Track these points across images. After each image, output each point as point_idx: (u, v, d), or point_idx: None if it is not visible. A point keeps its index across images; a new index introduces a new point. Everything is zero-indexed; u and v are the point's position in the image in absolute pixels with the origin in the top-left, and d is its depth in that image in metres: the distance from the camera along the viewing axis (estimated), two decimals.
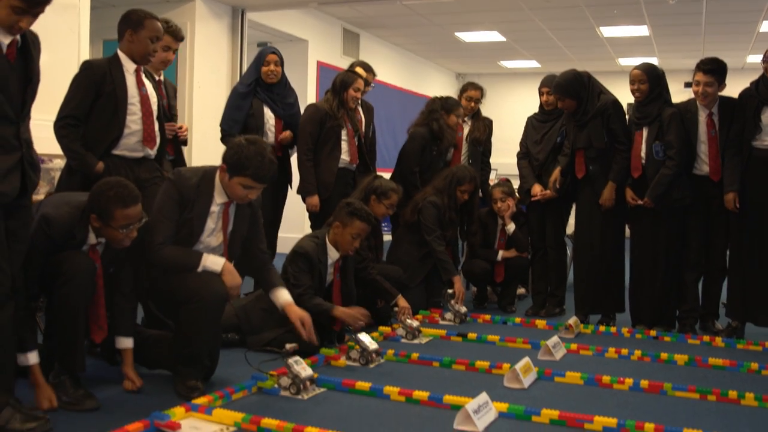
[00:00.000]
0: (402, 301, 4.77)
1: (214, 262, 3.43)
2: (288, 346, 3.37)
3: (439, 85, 13.35)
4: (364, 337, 4.02)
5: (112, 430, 2.75)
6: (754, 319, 4.86)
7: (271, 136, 5.19)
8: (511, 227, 5.70)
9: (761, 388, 3.69)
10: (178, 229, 3.47)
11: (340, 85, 5.32)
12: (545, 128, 5.55)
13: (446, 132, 5.80)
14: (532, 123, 5.68)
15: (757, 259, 4.70)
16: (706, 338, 4.83)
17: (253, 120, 5.09)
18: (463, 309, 5.22)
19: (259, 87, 5.14)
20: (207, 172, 3.55)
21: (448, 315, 5.22)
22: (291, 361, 3.40)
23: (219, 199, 3.53)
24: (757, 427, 3.20)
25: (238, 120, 5.06)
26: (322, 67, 9.38)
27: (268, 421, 2.93)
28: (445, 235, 5.48)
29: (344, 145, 5.34)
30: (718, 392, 3.57)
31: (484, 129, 6.21)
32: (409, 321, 4.64)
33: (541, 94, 5.64)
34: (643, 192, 4.91)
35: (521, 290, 6.33)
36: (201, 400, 3.17)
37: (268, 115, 5.16)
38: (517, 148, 5.80)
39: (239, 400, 3.34)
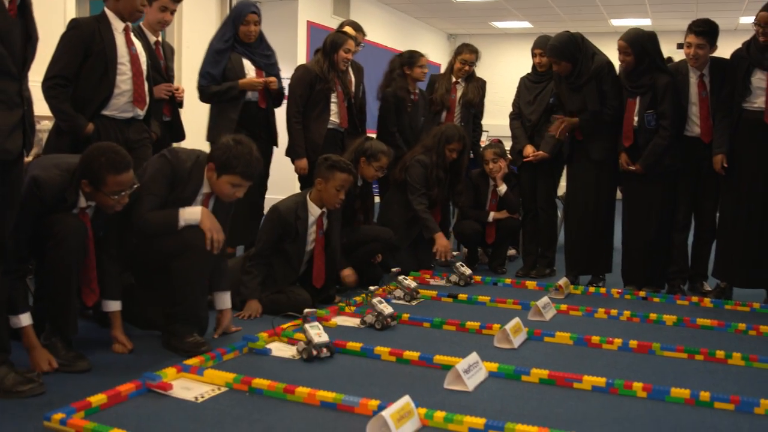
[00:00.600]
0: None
1: (191, 212, 3.42)
2: (307, 310, 3.35)
3: (430, 46, 13.25)
4: (381, 304, 4.03)
5: (104, 391, 2.76)
6: (739, 281, 4.89)
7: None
8: (502, 188, 5.70)
9: (748, 348, 3.73)
10: (164, 206, 3.46)
11: (330, 47, 5.25)
12: (538, 89, 5.52)
13: (404, 88, 5.77)
14: (525, 84, 5.66)
15: (745, 221, 4.72)
16: (695, 299, 4.86)
17: (233, 73, 4.93)
18: (468, 271, 5.22)
19: (237, 43, 4.99)
20: (199, 160, 3.53)
21: (453, 277, 5.22)
22: (307, 326, 3.40)
23: (205, 189, 3.54)
24: (744, 386, 3.24)
25: (215, 75, 4.91)
26: (312, 27, 9.29)
27: (259, 381, 2.95)
28: (430, 194, 5.46)
29: (334, 107, 5.30)
30: (705, 352, 3.61)
31: (477, 91, 6.13)
32: (406, 282, 4.66)
33: (534, 55, 5.59)
34: (635, 160, 4.90)
35: (512, 251, 6.35)
36: (192, 361, 3.19)
37: (249, 67, 5.00)
38: (510, 110, 5.77)
39: (230, 361, 3.35)
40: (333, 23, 9.59)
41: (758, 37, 4.56)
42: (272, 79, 5.04)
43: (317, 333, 3.39)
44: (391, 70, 5.92)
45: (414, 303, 4.63)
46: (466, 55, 5.99)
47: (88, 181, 3.13)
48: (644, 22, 12.10)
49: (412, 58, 5.83)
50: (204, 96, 4.98)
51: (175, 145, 4.85)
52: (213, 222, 3.43)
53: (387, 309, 3.96)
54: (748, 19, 4.65)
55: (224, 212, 3.69)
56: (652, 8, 11.17)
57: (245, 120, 4.95)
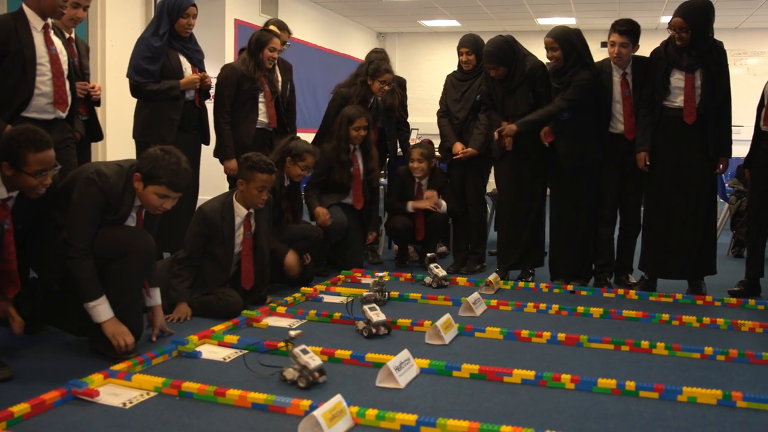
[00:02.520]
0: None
1: (100, 312, 3.29)
2: (292, 332, 3.16)
3: (359, 45, 13.25)
4: (372, 314, 3.88)
5: (27, 400, 2.69)
6: (663, 273, 5.03)
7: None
8: (442, 205, 5.71)
9: (671, 338, 3.85)
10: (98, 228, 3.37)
11: (255, 45, 5.17)
12: (464, 87, 5.57)
13: (358, 95, 5.70)
14: (452, 82, 5.69)
15: (667, 215, 4.85)
16: (621, 291, 4.98)
17: (171, 71, 4.85)
18: (442, 273, 5.14)
19: (172, 38, 4.89)
20: (129, 174, 3.42)
21: (427, 279, 5.15)
22: (298, 350, 3.08)
23: (137, 202, 3.47)
24: (668, 374, 3.33)
25: (153, 71, 4.79)
26: (239, 25, 9.19)
27: (189, 385, 2.90)
28: (333, 178, 5.48)
29: (262, 107, 5.25)
30: (631, 343, 3.70)
31: (394, 95, 6.06)
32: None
33: (460, 54, 5.62)
34: (569, 159, 4.99)
35: (442, 248, 6.40)
36: (120, 366, 3.12)
37: (186, 65, 4.94)
38: (438, 107, 5.81)
39: (159, 365, 3.30)
40: (261, 21, 9.46)
41: (675, 41, 4.69)
42: (207, 75, 5.00)
43: (309, 357, 3.07)
44: (356, 75, 5.81)
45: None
46: (385, 76, 5.70)
47: (9, 163, 3.05)
48: (569, 21, 12.31)
49: (375, 71, 5.66)
50: (139, 93, 4.86)
51: (93, 144, 4.77)
52: (118, 327, 3.31)
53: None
54: (668, 19, 4.77)
55: (154, 221, 3.64)
56: (577, 7, 11.37)
57: (182, 119, 4.89)
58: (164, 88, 4.79)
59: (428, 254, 5.20)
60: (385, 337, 3.81)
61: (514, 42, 5.10)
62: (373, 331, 3.76)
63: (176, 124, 4.82)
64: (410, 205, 5.73)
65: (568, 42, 4.86)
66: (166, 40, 4.84)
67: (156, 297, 3.69)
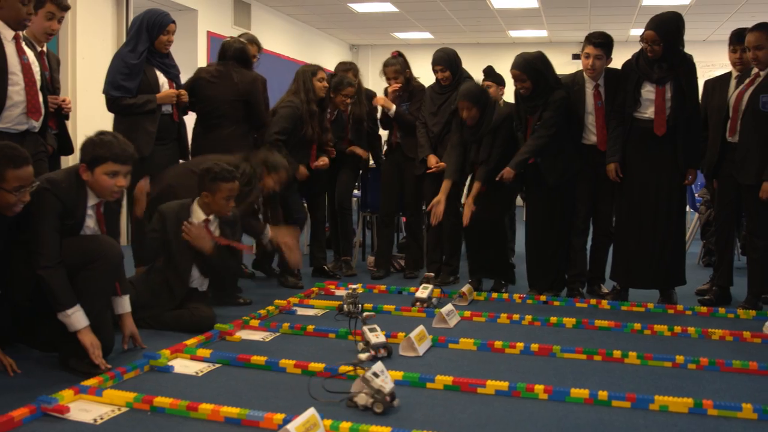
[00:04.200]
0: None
1: (75, 321, 3.27)
2: (362, 356, 3.04)
3: (333, 56, 13.26)
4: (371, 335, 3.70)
5: None
6: (634, 282, 5.07)
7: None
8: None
9: (643, 347, 3.88)
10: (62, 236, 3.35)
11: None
12: (441, 99, 5.57)
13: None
14: (430, 94, 5.69)
15: (638, 225, 4.90)
16: (593, 301, 5.01)
17: (148, 87, 4.83)
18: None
19: (150, 54, 4.87)
20: (76, 174, 3.40)
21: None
22: (370, 374, 2.91)
23: (91, 200, 3.44)
24: (639, 383, 3.36)
25: (131, 89, 4.76)
26: (212, 38, 9.17)
27: (161, 400, 2.88)
28: (303, 134, 5.42)
29: None
30: (603, 352, 3.72)
31: (361, 106, 6.00)
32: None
33: (435, 71, 5.61)
34: (539, 174, 5.02)
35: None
36: (91, 382, 3.09)
37: (163, 80, 4.92)
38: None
39: (131, 380, 3.26)
40: (234, 34, 9.48)
41: (647, 53, 4.74)
42: (183, 91, 5.00)
43: (382, 380, 2.91)
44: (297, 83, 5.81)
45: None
46: (348, 90, 5.69)
47: None
48: (540, 34, 12.43)
49: (338, 85, 5.66)
50: (116, 107, 4.82)
51: (64, 158, 4.73)
52: (93, 338, 3.28)
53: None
54: (638, 31, 4.84)
55: (114, 220, 3.61)
56: (548, 20, 11.48)
57: (160, 132, 4.87)
58: (140, 102, 4.77)
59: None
60: (384, 359, 3.60)
61: (487, 92, 5.24)
62: (372, 353, 3.59)
63: (153, 137, 4.80)
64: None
65: (534, 70, 4.90)
66: (144, 58, 4.82)
67: (126, 305, 3.65)
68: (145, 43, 4.82)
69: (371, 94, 6.24)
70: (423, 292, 4.80)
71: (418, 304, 4.71)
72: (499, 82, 6.33)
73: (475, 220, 5.08)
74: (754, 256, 4.86)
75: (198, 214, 4.25)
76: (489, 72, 6.36)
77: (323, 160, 5.59)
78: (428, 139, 5.60)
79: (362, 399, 2.92)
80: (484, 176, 5.06)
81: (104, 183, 3.36)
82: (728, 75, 5.08)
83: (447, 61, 5.52)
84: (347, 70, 6.01)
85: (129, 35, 4.98)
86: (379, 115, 6.09)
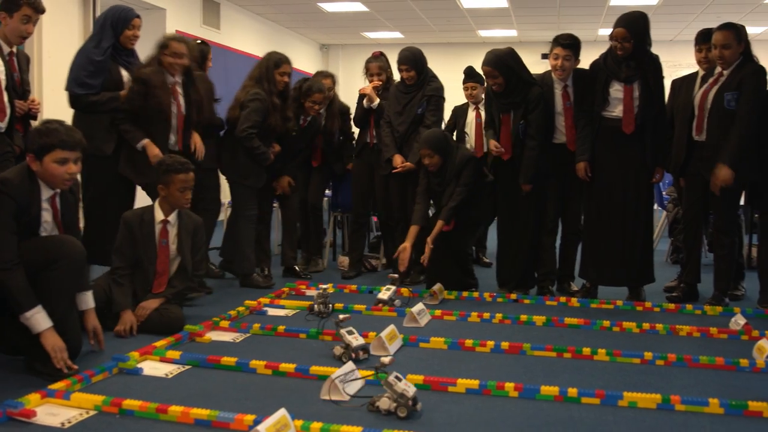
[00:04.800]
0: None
1: (40, 320, 3.23)
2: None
3: (303, 57, 13.25)
4: (350, 336, 3.64)
5: None
6: (603, 280, 5.12)
7: None
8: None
9: (612, 344, 3.91)
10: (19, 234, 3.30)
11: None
12: (407, 99, 5.57)
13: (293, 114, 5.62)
14: (395, 93, 5.70)
15: (607, 223, 4.94)
16: (563, 299, 5.05)
17: (111, 83, 4.73)
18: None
19: (115, 51, 4.77)
20: (27, 168, 3.36)
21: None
22: (392, 378, 2.88)
23: (46, 193, 3.39)
24: (608, 380, 3.39)
25: (95, 86, 4.67)
26: None
27: (130, 403, 2.85)
28: (267, 123, 5.38)
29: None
30: (573, 350, 3.75)
31: (333, 119, 6.09)
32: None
33: (400, 70, 5.60)
34: (516, 172, 5.05)
35: (378, 261, 6.38)
36: (58, 385, 3.05)
37: (127, 78, 4.81)
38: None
39: (99, 383, 3.23)
40: (203, 33, 9.45)
41: (616, 51, 4.79)
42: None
43: (405, 384, 2.87)
44: (291, 97, 5.71)
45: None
46: (315, 96, 5.69)
47: None
48: (510, 34, 12.49)
49: (308, 90, 5.64)
50: (79, 104, 4.73)
51: None
52: (57, 340, 3.24)
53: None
54: (606, 31, 4.88)
55: (72, 211, 3.57)
56: (518, 20, 11.55)
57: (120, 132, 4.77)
58: (104, 100, 4.69)
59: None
60: (364, 361, 3.56)
61: (450, 138, 5.32)
62: (353, 356, 3.54)
63: (115, 137, 4.73)
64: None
65: (506, 66, 4.94)
66: (109, 55, 4.73)
67: (89, 301, 3.62)
68: (110, 39, 4.73)
69: (345, 109, 6.27)
70: (385, 293, 4.80)
71: (381, 305, 4.72)
72: (482, 82, 6.33)
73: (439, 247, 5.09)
74: (720, 253, 4.92)
75: (158, 214, 4.25)
76: (470, 73, 6.36)
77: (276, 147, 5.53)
78: (393, 139, 5.60)
79: (385, 403, 2.88)
80: (447, 215, 5.03)
81: (54, 171, 3.32)
82: (695, 75, 5.15)
83: (412, 61, 5.51)
84: (326, 77, 6.11)
85: (93, 31, 4.91)
86: (353, 112, 6.07)
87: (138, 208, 4.35)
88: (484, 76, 5.06)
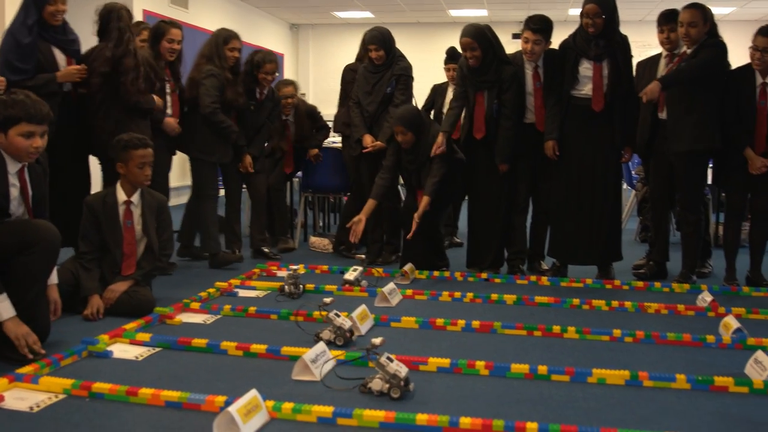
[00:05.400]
0: None
1: (2, 309, 3.18)
2: (375, 341, 2.92)
3: (272, 37, 13.14)
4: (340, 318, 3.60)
5: None
6: (573, 259, 5.17)
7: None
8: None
9: (582, 322, 3.96)
10: None
11: (152, 38, 5.14)
12: (375, 79, 5.55)
13: (245, 90, 5.60)
14: (363, 73, 5.66)
15: (576, 202, 4.98)
16: (533, 278, 5.08)
17: (45, 66, 4.55)
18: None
19: (43, 30, 4.55)
20: None
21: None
22: (384, 359, 2.87)
23: (12, 168, 3.33)
24: (578, 357, 3.42)
25: (28, 69, 4.48)
26: (148, 17, 8.97)
27: (99, 386, 2.83)
28: (224, 98, 5.43)
29: (167, 99, 5.20)
30: (543, 328, 3.79)
31: (302, 124, 6.26)
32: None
33: (369, 50, 5.56)
34: (490, 150, 5.05)
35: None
36: (26, 369, 3.02)
37: (60, 57, 4.65)
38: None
39: (68, 366, 3.21)
40: (171, 12, 9.33)
41: (587, 28, 4.80)
42: (84, 66, 4.68)
43: (397, 365, 2.87)
44: (244, 71, 5.70)
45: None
46: (267, 66, 5.66)
47: None
48: (481, 13, 12.47)
49: (261, 61, 5.62)
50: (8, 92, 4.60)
51: None
52: (20, 327, 3.20)
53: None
54: (576, 11, 4.89)
55: (41, 185, 3.51)
56: (489, 0, 11.53)
57: (62, 114, 4.59)
58: (40, 83, 4.46)
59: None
60: (354, 343, 3.56)
61: (425, 116, 5.32)
62: (348, 335, 3.53)
63: (55, 120, 4.59)
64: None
65: (485, 39, 4.93)
66: (36, 33, 4.50)
67: (53, 277, 3.56)
68: (34, 15, 4.48)
69: (311, 110, 6.37)
70: (351, 273, 4.80)
71: (347, 285, 4.72)
72: None
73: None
74: (687, 230, 4.98)
75: (120, 195, 4.19)
76: (452, 54, 6.34)
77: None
78: (363, 119, 5.59)
79: (377, 384, 2.89)
80: (432, 189, 4.97)
81: (19, 144, 3.26)
82: (658, 56, 5.17)
83: (381, 40, 5.48)
84: (288, 84, 6.33)
85: (20, 7, 4.60)
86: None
87: (99, 191, 4.30)
88: (461, 50, 5.03)
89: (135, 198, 4.22)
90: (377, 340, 2.91)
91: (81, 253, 4.13)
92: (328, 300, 3.67)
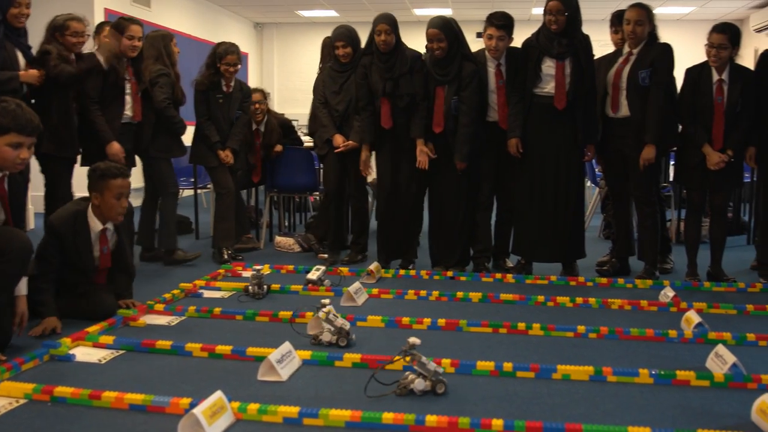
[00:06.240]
0: None
1: None
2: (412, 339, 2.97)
3: (237, 36, 13.05)
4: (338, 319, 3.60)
5: None
6: (537, 256, 5.21)
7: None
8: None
9: (546, 319, 3.99)
10: None
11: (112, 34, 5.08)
12: (343, 78, 5.51)
13: (211, 81, 5.68)
14: (330, 73, 5.62)
15: (539, 200, 5.01)
16: (498, 276, 5.11)
17: (7, 62, 4.51)
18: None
19: (8, 30, 4.52)
20: None
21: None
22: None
23: None
24: (543, 354, 3.45)
25: None
26: (110, 16, 8.87)
27: (62, 390, 2.80)
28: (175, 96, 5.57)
29: (128, 99, 5.14)
30: (508, 325, 3.81)
31: (272, 132, 6.30)
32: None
33: (336, 47, 5.51)
34: (448, 146, 5.05)
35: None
36: None
37: (22, 62, 4.63)
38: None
39: (30, 371, 3.16)
40: (132, 11, 9.23)
41: (550, 26, 4.84)
42: (44, 73, 4.65)
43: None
44: (205, 63, 5.75)
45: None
46: (228, 58, 5.64)
47: None
48: (445, 12, 12.51)
49: (224, 53, 5.62)
50: None
51: None
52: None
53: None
54: (540, 10, 4.93)
55: (21, 194, 3.47)
56: None
57: None
58: (4, 79, 4.43)
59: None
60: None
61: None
62: (352, 337, 3.56)
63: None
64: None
65: (452, 32, 4.95)
66: (3, 33, 4.47)
67: (22, 287, 3.47)
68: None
69: (285, 123, 6.39)
70: (314, 273, 4.79)
71: (309, 285, 4.71)
72: None
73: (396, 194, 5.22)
74: (644, 223, 5.05)
75: (95, 224, 3.95)
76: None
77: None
78: (332, 119, 5.56)
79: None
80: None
81: (6, 155, 3.21)
82: (612, 55, 5.20)
83: (349, 38, 5.46)
84: (256, 91, 6.35)
85: None
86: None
87: (65, 213, 3.94)
88: (427, 41, 5.02)
89: (110, 224, 4.02)
90: (415, 340, 2.90)
91: (38, 275, 3.76)
92: (324, 302, 3.63)
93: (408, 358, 2.91)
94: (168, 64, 5.42)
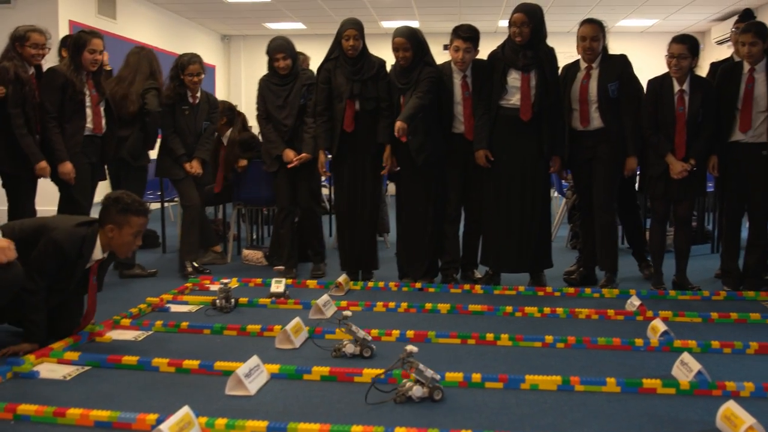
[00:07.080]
0: None
1: None
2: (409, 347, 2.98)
3: (204, 48, 12.99)
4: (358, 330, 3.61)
5: None
6: (505, 267, 5.24)
7: None
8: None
9: (515, 329, 4.01)
10: None
11: (74, 48, 4.99)
12: (285, 91, 5.44)
13: (177, 93, 5.63)
14: (269, 87, 5.51)
15: (506, 211, 5.04)
16: (467, 287, 5.12)
17: None
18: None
19: None
20: None
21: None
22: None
23: None
24: (511, 364, 3.47)
25: None
26: (75, 27, 8.79)
27: (25, 407, 2.76)
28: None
29: (89, 112, 5.06)
30: (477, 336, 3.82)
31: (233, 147, 6.32)
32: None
33: (276, 59, 5.42)
34: (409, 155, 5.05)
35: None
36: None
37: None
38: None
39: None
40: (98, 23, 9.16)
41: (515, 38, 4.88)
42: (3, 89, 4.66)
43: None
44: (169, 76, 5.71)
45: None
46: (190, 68, 5.59)
47: None
48: (412, 24, 12.54)
49: (186, 63, 5.57)
50: None
51: None
52: None
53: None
54: (506, 22, 4.97)
55: None
56: (420, 11, 11.63)
57: None
58: None
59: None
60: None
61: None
62: (374, 348, 3.59)
63: None
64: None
65: (418, 41, 4.98)
66: None
67: None
68: None
69: (246, 141, 6.37)
70: (277, 286, 4.77)
71: (273, 298, 4.68)
72: None
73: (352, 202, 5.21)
74: (603, 231, 5.10)
75: (97, 252, 3.71)
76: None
77: None
78: (278, 135, 5.45)
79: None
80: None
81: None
82: (569, 68, 5.25)
83: (288, 49, 5.40)
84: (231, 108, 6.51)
85: None
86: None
87: (74, 235, 3.63)
88: (393, 49, 5.01)
89: (104, 255, 3.81)
90: (413, 348, 2.93)
91: (37, 289, 3.56)
92: (345, 314, 3.59)
93: (412, 370, 2.96)
94: (158, 80, 5.63)
